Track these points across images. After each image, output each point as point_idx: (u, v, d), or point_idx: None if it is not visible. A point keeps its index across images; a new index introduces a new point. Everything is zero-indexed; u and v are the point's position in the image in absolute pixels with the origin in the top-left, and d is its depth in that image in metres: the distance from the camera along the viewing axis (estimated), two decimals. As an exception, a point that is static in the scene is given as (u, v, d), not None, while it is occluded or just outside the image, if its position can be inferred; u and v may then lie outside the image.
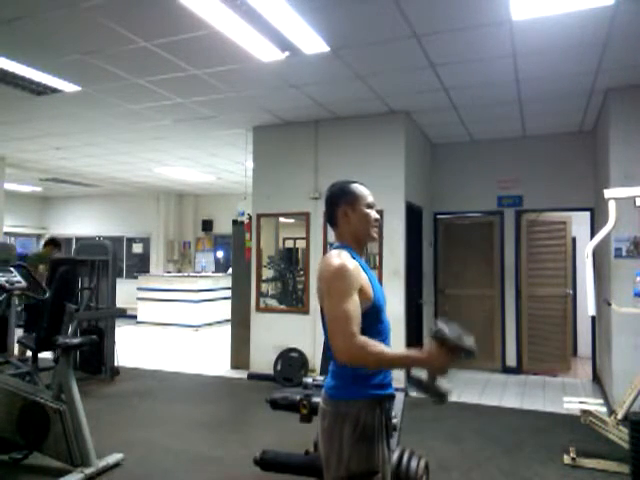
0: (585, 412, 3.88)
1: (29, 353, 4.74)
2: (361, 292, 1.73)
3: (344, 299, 1.67)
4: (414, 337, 6.45)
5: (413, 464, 2.74)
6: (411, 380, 1.73)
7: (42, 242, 9.84)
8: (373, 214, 1.91)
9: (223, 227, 12.26)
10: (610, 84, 4.96)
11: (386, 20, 3.66)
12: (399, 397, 2.52)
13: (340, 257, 1.76)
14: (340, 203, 1.89)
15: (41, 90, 5.19)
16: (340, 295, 1.68)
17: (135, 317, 10.74)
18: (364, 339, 1.64)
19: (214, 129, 6.78)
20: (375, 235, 1.92)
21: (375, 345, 1.64)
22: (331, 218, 1.93)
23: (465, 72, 4.67)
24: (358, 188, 1.92)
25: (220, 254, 13.20)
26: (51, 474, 3.41)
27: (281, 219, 7.30)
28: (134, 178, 10.77)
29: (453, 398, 5.57)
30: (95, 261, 6.38)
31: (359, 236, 1.90)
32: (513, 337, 6.89)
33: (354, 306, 1.68)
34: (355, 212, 1.88)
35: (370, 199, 1.92)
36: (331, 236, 7.08)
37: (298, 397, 2.99)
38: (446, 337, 1.60)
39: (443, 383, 1.70)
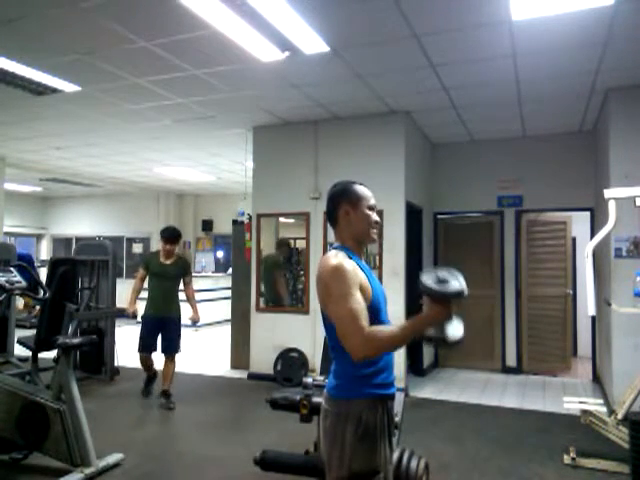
0: (585, 412, 3.88)
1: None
2: (360, 291, 1.73)
3: (346, 298, 1.68)
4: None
5: (413, 464, 2.74)
6: (426, 340, 1.69)
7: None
8: (374, 216, 1.92)
9: (223, 227, 12.24)
10: (610, 84, 4.96)
11: (386, 20, 3.66)
12: (399, 397, 2.52)
13: (337, 257, 1.78)
14: (342, 202, 1.90)
15: (41, 90, 5.19)
16: (341, 295, 1.69)
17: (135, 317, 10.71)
18: (371, 330, 1.65)
19: (214, 129, 6.77)
20: (374, 237, 1.93)
21: (382, 330, 1.67)
22: (332, 217, 1.94)
23: (465, 72, 4.67)
24: (361, 189, 1.93)
25: (220, 254, 13.20)
26: (51, 474, 3.41)
27: (281, 219, 7.30)
28: (134, 178, 10.77)
29: (453, 398, 5.59)
30: (95, 261, 6.39)
31: (359, 236, 1.91)
32: (513, 337, 6.88)
33: (357, 303, 1.68)
34: (356, 212, 1.89)
35: (372, 201, 1.93)
36: (331, 236, 7.04)
37: (298, 397, 2.99)
38: (431, 290, 1.60)
39: (453, 326, 1.66)
